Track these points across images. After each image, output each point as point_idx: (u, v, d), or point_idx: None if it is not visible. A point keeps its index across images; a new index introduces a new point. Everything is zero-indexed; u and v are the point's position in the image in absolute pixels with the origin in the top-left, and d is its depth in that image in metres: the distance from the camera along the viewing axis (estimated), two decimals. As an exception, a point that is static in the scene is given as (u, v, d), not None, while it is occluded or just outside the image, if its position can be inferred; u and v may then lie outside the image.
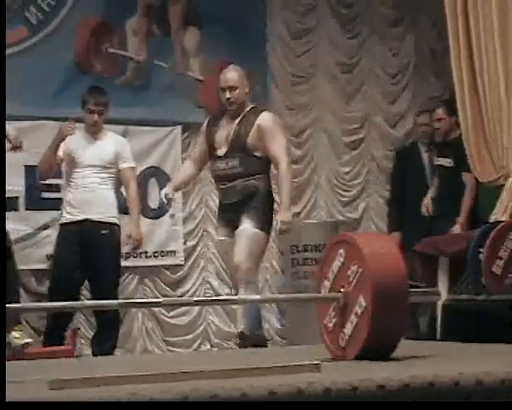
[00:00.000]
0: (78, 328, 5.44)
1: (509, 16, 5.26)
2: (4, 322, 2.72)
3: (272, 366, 2.89)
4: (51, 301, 5.10)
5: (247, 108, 4.97)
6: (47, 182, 5.82)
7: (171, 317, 6.74)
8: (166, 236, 6.66)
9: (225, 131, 4.93)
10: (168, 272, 6.75)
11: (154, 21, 6.70)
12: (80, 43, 6.42)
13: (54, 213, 5.93)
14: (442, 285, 5.28)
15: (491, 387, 2.53)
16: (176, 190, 5.13)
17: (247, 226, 4.79)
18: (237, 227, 4.83)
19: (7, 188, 5.74)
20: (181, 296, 6.69)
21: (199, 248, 6.95)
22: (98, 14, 6.52)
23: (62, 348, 5.21)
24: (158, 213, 6.54)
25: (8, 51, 6.11)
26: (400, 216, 6.64)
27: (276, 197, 5.09)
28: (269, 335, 7.07)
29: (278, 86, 7.20)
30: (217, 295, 6.78)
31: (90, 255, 5.37)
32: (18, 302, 4.49)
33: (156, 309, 6.54)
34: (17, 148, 4.75)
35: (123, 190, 5.68)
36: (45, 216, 6.13)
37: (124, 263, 5.97)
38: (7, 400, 2.29)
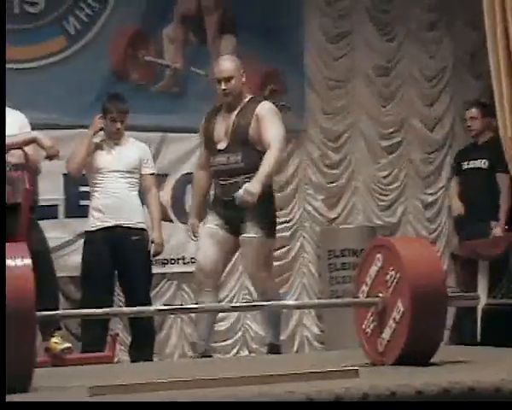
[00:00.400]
0: (117, 334, 5.46)
1: (547, 17, 5.21)
2: (4, 321, 2.74)
3: (310, 371, 2.88)
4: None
5: (246, 99, 4.74)
6: (86, 189, 5.86)
7: (209, 323, 6.75)
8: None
9: (224, 125, 4.73)
10: (206, 278, 6.76)
11: (190, 29, 6.73)
12: (117, 51, 6.48)
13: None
14: (482, 289, 5.24)
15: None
16: (199, 217, 4.91)
17: (253, 236, 4.59)
18: (238, 227, 4.62)
19: (46, 196, 5.82)
20: (219, 302, 6.70)
21: (236, 254, 6.94)
22: (135, 22, 6.57)
23: (102, 354, 5.24)
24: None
25: (47, 61, 6.18)
26: None
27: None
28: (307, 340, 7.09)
29: (315, 91, 7.19)
30: (255, 301, 6.77)
31: (123, 262, 5.37)
32: (57, 309, 4.53)
33: (194, 315, 6.56)
34: (52, 156, 4.79)
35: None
36: (84, 223, 6.17)
37: (162, 269, 5.99)
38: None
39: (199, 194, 4.98)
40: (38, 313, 2.90)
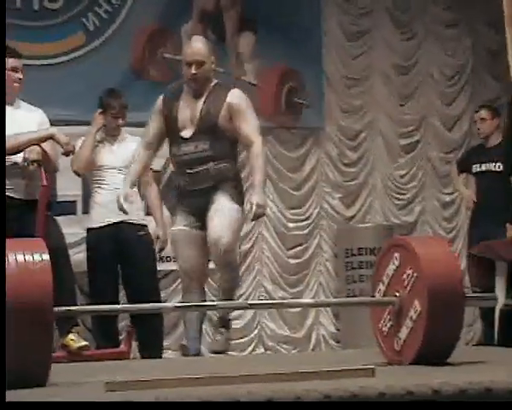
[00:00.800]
0: (133, 329, 5.45)
1: None
2: (4, 320, 2.75)
3: (327, 370, 2.88)
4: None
5: (212, 84, 4.43)
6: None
7: (225, 320, 6.76)
8: (221, 239, 6.67)
9: (189, 111, 4.38)
10: (223, 276, 6.77)
11: (209, 27, 6.74)
12: (137, 48, 6.50)
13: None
14: (499, 290, 5.21)
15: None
16: (133, 186, 4.53)
17: (225, 201, 4.29)
18: (205, 216, 4.30)
19: (65, 193, 5.84)
20: (235, 300, 6.70)
21: (253, 252, 6.96)
22: (154, 20, 6.58)
23: (118, 349, 5.25)
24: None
25: (66, 58, 6.21)
26: None
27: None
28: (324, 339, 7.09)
29: (333, 89, 7.19)
30: (271, 299, 6.79)
31: (128, 258, 5.34)
32: (75, 305, 4.54)
33: (210, 312, 6.56)
34: (69, 152, 4.81)
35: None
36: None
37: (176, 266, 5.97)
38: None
39: (139, 170, 4.50)
40: (56, 309, 2.91)
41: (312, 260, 7.10)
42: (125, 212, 4.36)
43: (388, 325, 3.39)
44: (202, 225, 4.35)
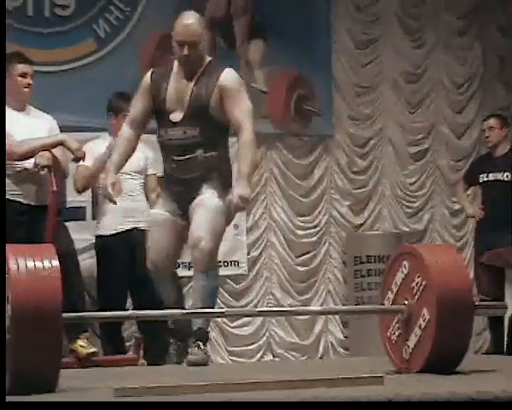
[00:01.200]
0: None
1: None
2: (4, 320, 2.75)
3: (335, 377, 2.88)
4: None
5: (205, 63, 4.08)
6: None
7: (234, 327, 6.76)
8: (230, 246, 6.68)
9: (178, 92, 4.04)
10: (231, 283, 6.78)
11: (219, 34, 6.75)
12: (147, 55, 6.51)
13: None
14: (509, 298, 5.19)
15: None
16: (118, 172, 4.16)
17: (211, 200, 3.97)
18: (188, 206, 4.01)
19: (74, 198, 5.85)
20: (244, 307, 6.71)
21: (262, 259, 6.96)
22: (164, 26, 6.57)
23: (127, 356, 5.26)
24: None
25: (77, 64, 6.23)
26: None
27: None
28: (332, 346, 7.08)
29: (343, 96, 7.19)
30: (280, 306, 6.78)
31: (139, 264, 5.25)
32: (84, 311, 4.55)
33: (219, 319, 6.57)
34: (79, 159, 4.81)
35: None
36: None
37: (187, 273, 5.98)
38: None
39: (124, 152, 4.18)
40: (65, 315, 2.91)
41: (321, 267, 7.09)
42: (113, 202, 4.07)
43: (397, 333, 3.39)
44: (184, 214, 4.06)
